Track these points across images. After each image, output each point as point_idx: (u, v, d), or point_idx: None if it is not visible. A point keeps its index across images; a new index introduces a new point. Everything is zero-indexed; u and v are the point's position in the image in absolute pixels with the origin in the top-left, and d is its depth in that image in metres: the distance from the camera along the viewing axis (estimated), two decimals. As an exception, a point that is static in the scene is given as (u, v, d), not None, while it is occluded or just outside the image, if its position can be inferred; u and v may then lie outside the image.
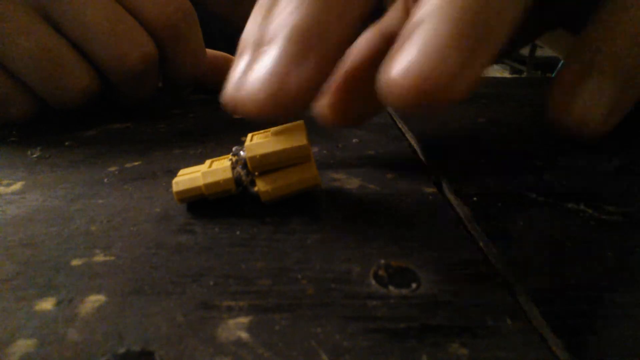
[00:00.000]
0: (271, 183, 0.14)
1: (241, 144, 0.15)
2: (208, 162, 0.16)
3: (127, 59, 0.22)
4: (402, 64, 0.10)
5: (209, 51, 0.28)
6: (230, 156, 0.15)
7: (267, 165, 0.14)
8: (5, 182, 0.17)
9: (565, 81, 0.15)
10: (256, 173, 0.15)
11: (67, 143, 0.22)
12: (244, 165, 0.15)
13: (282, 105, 0.12)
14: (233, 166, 0.15)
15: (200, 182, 0.15)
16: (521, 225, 0.14)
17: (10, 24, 0.21)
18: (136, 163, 0.19)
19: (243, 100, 0.12)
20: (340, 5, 0.12)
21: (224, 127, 0.24)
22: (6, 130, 0.23)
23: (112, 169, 0.19)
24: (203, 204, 0.15)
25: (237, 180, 0.15)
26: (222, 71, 0.31)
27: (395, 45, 0.11)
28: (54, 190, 0.17)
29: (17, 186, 0.17)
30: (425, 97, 0.10)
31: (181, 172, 0.16)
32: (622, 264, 0.12)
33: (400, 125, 0.24)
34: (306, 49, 0.12)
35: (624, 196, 0.16)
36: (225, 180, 0.15)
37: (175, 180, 0.15)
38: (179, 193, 0.15)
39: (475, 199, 0.16)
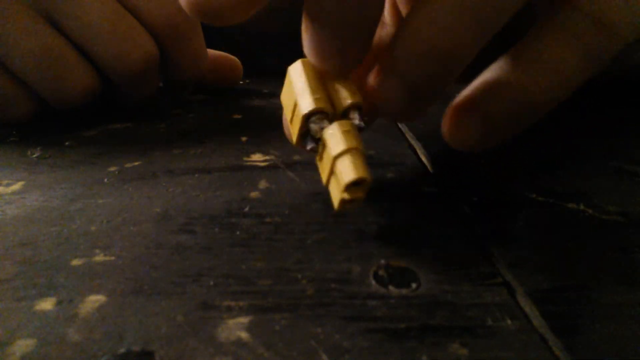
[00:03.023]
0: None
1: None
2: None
3: (128, 59, 0.22)
4: None
5: (210, 51, 0.28)
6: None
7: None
8: (5, 182, 0.17)
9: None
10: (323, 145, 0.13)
11: (67, 143, 0.22)
12: (331, 119, 0.14)
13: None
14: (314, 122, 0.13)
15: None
16: (521, 225, 0.14)
17: (11, 24, 0.21)
18: (136, 163, 0.19)
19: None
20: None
21: (224, 127, 0.24)
22: (6, 130, 0.23)
23: (112, 169, 0.19)
24: (203, 204, 0.15)
25: (312, 131, 0.13)
26: (222, 71, 0.31)
27: None
28: (54, 190, 0.17)
29: (17, 186, 0.17)
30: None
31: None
32: (622, 264, 0.12)
33: (400, 125, 0.24)
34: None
35: (624, 196, 0.16)
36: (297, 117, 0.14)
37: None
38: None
39: (475, 199, 0.16)
